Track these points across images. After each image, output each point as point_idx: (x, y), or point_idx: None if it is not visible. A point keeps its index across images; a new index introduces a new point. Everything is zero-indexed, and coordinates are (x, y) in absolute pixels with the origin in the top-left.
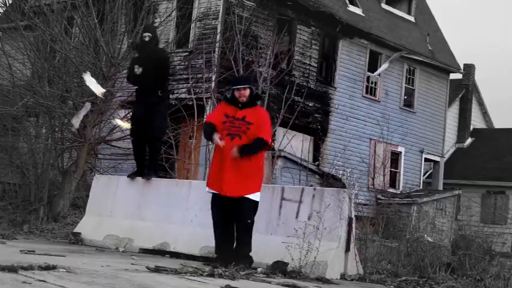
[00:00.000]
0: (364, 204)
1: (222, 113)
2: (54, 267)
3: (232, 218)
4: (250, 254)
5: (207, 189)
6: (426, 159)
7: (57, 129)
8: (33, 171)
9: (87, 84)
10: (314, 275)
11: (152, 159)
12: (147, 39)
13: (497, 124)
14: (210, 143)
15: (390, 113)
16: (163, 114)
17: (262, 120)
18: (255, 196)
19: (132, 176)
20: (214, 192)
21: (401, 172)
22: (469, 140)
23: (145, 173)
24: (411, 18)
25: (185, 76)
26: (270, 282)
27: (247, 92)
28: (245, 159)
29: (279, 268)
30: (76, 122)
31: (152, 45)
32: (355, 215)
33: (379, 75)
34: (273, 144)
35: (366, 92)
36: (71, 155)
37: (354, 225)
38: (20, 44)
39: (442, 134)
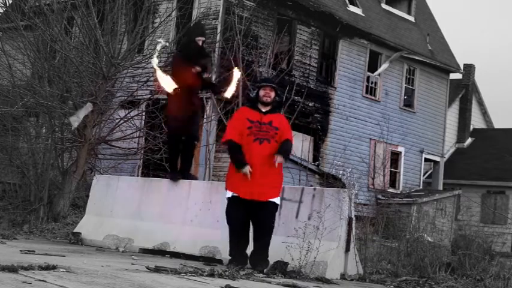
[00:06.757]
0: (364, 204)
1: (243, 119)
2: (54, 267)
3: (249, 221)
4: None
5: (229, 193)
6: (426, 159)
7: (57, 129)
8: (33, 171)
9: None
10: (314, 275)
11: (190, 159)
12: (200, 43)
13: (497, 124)
14: (210, 143)
15: (390, 113)
16: (200, 117)
17: (286, 126)
18: (277, 200)
19: (175, 178)
20: (236, 195)
21: (401, 172)
22: (469, 140)
23: (186, 174)
24: (411, 18)
25: None
26: (270, 282)
27: (273, 94)
28: (273, 165)
29: (279, 268)
30: (75, 121)
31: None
32: (355, 215)
33: (379, 75)
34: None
35: (366, 92)
36: (71, 155)
37: (353, 225)
38: (20, 44)
39: (442, 134)
